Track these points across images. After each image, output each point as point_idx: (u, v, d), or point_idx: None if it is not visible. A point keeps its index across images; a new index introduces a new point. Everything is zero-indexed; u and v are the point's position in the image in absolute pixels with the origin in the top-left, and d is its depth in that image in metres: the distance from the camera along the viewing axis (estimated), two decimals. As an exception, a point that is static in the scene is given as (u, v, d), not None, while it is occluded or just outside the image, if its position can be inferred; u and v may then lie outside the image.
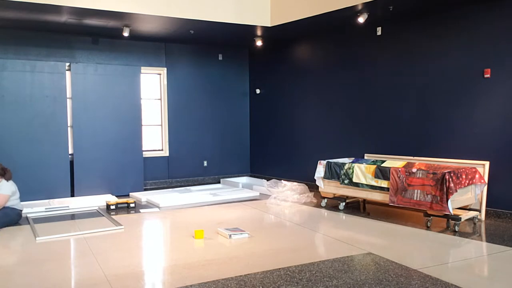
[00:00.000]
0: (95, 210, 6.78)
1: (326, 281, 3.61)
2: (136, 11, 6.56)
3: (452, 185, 5.14)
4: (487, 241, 4.91)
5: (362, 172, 6.10)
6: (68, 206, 6.93)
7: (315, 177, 6.80)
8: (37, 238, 5.12)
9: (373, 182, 5.96)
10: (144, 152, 8.68)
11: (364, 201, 6.93)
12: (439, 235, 5.12)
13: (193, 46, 9.27)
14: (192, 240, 4.98)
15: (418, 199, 5.44)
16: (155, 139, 9.14)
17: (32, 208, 6.72)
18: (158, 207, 6.95)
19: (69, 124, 7.93)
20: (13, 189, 5.88)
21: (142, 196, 7.60)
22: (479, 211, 5.70)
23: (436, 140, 6.36)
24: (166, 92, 9.05)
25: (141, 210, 6.73)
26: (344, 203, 6.58)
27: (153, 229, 5.73)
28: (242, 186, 8.64)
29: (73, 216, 6.50)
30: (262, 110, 9.62)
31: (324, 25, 7.46)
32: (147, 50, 8.79)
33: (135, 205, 6.95)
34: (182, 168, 9.25)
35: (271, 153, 9.40)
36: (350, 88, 7.62)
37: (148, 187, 8.84)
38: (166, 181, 9.11)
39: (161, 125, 9.14)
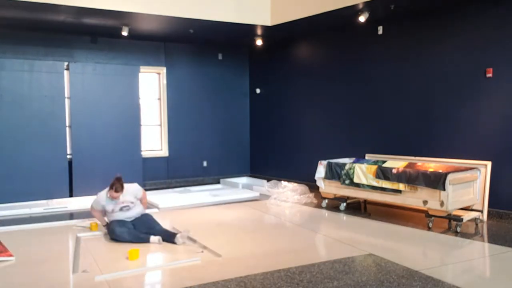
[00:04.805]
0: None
1: (327, 283, 3.56)
2: (135, 10, 6.51)
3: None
4: (489, 242, 4.87)
5: (363, 172, 6.05)
6: (66, 207, 6.89)
7: (315, 178, 6.74)
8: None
9: (374, 183, 5.91)
10: (143, 152, 8.63)
11: (365, 201, 6.88)
12: (441, 236, 5.08)
13: (192, 45, 9.22)
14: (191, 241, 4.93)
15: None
16: (154, 139, 9.09)
17: (31, 209, 6.68)
18: (158, 207, 6.89)
19: (67, 124, 7.88)
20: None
21: (141, 196, 7.53)
22: (481, 211, 5.65)
23: (438, 140, 6.31)
24: (166, 91, 8.99)
25: (140, 211, 6.66)
26: (345, 204, 6.53)
27: (152, 230, 5.68)
28: (242, 186, 8.59)
29: (71, 216, 6.46)
30: (262, 110, 9.57)
31: (324, 25, 7.42)
32: (146, 50, 8.74)
33: (134, 205, 6.88)
34: (181, 168, 9.19)
35: (271, 153, 9.35)
36: (351, 87, 7.57)
37: (148, 187, 8.77)
38: (166, 181, 9.06)
39: (161, 125, 9.08)
